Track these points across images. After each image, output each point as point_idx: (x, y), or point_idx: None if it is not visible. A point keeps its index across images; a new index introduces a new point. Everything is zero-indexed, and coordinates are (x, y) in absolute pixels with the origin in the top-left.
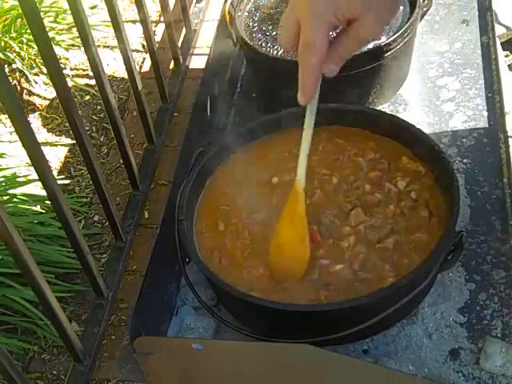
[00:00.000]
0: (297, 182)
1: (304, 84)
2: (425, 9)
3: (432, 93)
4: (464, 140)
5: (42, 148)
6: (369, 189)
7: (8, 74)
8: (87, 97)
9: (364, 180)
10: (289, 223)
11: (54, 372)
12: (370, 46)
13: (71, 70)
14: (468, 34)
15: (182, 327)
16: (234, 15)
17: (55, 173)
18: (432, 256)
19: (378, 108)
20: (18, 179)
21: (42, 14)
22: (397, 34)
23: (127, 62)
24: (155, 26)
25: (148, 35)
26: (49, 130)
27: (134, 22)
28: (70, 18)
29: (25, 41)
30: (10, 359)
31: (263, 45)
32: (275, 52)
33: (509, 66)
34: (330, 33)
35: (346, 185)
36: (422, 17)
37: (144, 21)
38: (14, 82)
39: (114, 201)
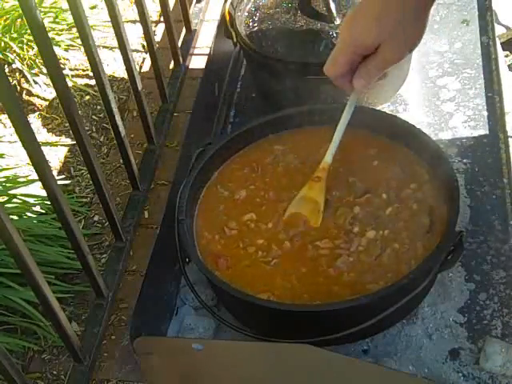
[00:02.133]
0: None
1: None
2: None
3: (432, 93)
4: (464, 140)
5: (42, 148)
6: (367, 193)
7: (8, 74)
8: (87, 97)
9: (364, 183)
10: (310, 192)
11: (54, 372)
12: None
13: (71, 70)
14: (468, 34)
15: (182, 327)
16: (234, 15)
17: (55, 173)
18: (432, 256)
19: (378, 108)
20: (18, 179)
21: (41, 14)
22: None
23: (127, 62)
24: (155, 26)
25: (148, 35)
26: (49, 130)
27: (133, 22)
28: (69, 19)
29: (25, 41)
30: (10, 359)
31: (263, 45)
32: (275, 52)
33: (509, 66)
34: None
35: (348, 189)
36: None
37: (144, 21)
38: (14, 82)
39: (113, 201)
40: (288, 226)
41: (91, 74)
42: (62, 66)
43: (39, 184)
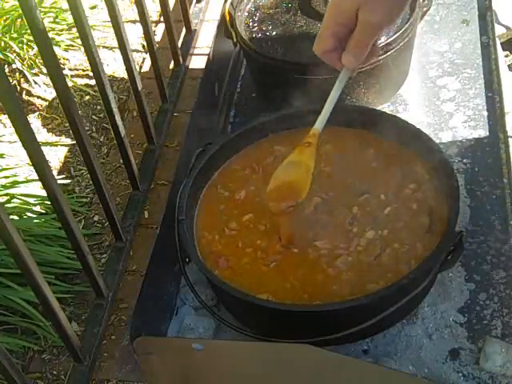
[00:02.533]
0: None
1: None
2: (425, 9)
3: (432, 93)
4: (464, 140)
5: (42, 148)
6: (367, 192)
7: (8, 74)
8: (87, 97)
9: (363, 183)
10: (300, 156)
11: (54, 372)
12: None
13: (71, 70)
14: (468, 34)
15: (182, 327)
16: (233, 15)
17: (55, 173)
18: (432, 256)
19: (378, 108)
20: (17, 179)
21: (41, 14)
22: (397, 34)
23: (127, 62)
24: (155, 26)
25: (148, 35)
26: (49, 130)
27: (133, 22)
28: (69, 19)
29: (25, 41)
30: (10, 359)
31: (263, 45)
32: (275, 52)
33: (509, 65)
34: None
35: (347, 189)
36: (422, 17)
37: (144, 21)
38: (14, 82)
39: (113, 201)
40: (274, 200)
41: (91, 74)
42: (61, 66)
43: (39, 184)
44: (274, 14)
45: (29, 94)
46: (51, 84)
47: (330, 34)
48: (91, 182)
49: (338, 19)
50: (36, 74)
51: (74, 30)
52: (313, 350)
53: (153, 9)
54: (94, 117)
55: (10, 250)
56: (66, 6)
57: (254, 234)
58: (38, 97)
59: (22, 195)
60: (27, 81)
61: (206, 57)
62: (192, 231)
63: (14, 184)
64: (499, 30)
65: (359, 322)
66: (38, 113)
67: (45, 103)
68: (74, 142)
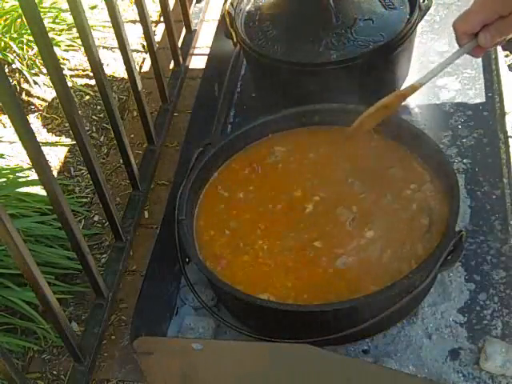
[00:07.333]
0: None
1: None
2: (425, 9)
3: (432, 93)
4: (464, 140)
5: (42, 148)
6: (368, 192)
7: (8, 74)
8: (87, 97)
9: (363, 183)
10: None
11: (54, 372)
12: (370, 46)
13: (70, 70)
14: None
15: (182, 327)
16: (233, 15)
17: (55, 173)
18: (432, 256)
19: None
20: (18, 179)
21: (41, 14)
22: (397, 34)
23: (127, 62)
24: (155, 26)
25: (148, 35)
26: (49, 130)
27: (134, 22)
28: (69, 19)
29: (25, 41)
30: (10, 359)
31: (263, 45)
32: (275, 52)
33: (509, 65)
34: None
35: (347, 188)
36: (422, 17)
37: (144, 21)
38: (14, 82)
39: (114, 201)
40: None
41: (91, 74)
42: (61, 66)
43: (39, 184)
44: (274, 14)
45: (29, 94)
46: (51, 84)
47: (481, 20)
48: (91, 182)
49: (497, 9)
50: (36, 74)
51: (74, 30)
52: (313, 350)
53: (153, 9)
54: (93, 117)
55: (10, 251)
56: (65, 6)
57: (254, 234)
58: (38, 97)
59: (22, 195)
60: (27, 81)
61: (206, 57)
62: (192, 231)
63: (14, 184)
64: None
65: (359, 322)
66: (38, 113)
67: (45, 103)
68: (74, 142)
